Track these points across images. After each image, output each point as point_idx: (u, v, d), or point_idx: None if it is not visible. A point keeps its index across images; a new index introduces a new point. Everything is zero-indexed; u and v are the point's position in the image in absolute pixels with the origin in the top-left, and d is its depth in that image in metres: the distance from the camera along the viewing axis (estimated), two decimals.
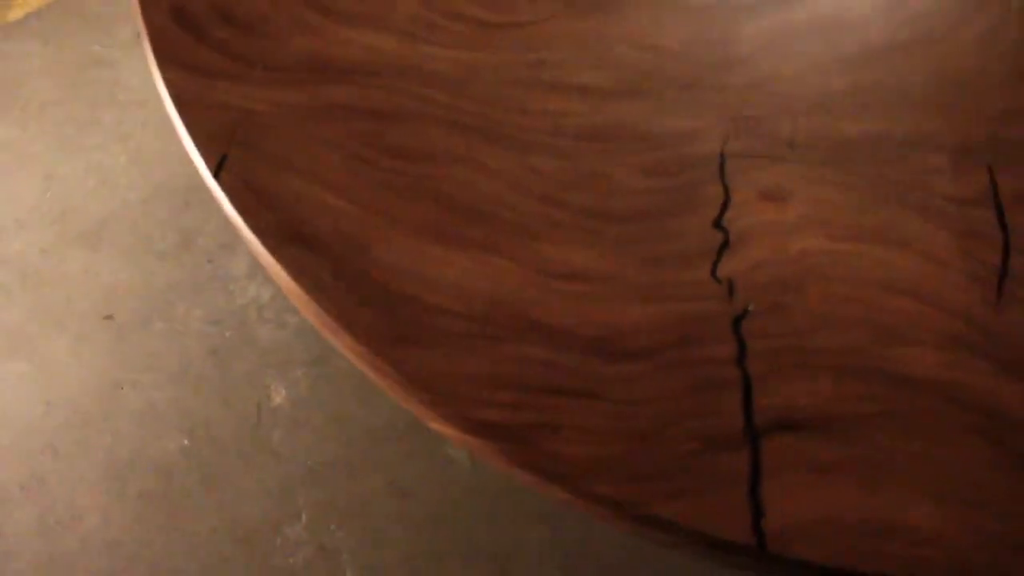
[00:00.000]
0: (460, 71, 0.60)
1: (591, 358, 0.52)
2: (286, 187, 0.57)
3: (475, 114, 0.58)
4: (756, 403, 0.50)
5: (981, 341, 0.52)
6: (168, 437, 1.11)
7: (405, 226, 0.56)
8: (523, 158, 0.57)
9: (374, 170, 0.57)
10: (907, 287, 0.54)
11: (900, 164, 0.57)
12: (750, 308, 0.52)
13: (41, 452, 1.10)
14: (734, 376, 0.51)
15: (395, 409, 1.09)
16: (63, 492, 1.08)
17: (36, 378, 1.15)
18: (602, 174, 0.56)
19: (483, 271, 0.54)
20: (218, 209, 1.19)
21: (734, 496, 0.48)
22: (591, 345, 0.52)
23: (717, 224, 0.55)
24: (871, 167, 0.57)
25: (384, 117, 0.59)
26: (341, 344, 0.55)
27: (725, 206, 0.55)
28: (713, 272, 0.53)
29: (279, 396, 1.13)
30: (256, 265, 1.20)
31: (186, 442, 1.10)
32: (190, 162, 1.21)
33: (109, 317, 1.18)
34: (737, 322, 0.52)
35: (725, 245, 0.54)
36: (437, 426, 0.53)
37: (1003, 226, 0.56)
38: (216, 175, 0.59)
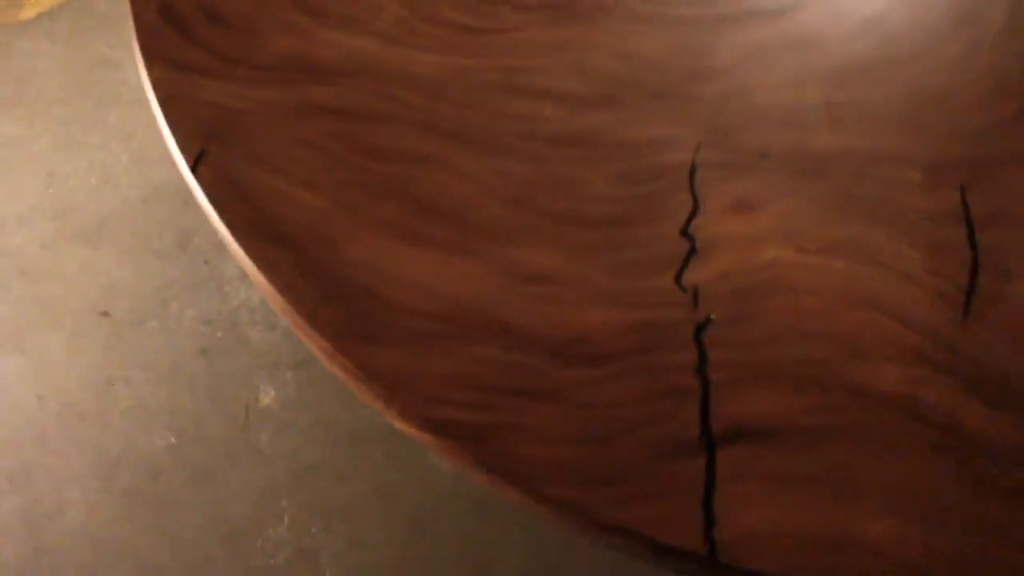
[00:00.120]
0: (438, 75, 0.61)
1: (552, 361, 0.52)
2: (261, 183, 0.58)
3: (450, 117, 0.59)
4: (714, 412, 0.50)
5: (946, 358, 0.52)
6: (157, 434, 1.12)
7: (375, 225, 0.56)
8: (495, 161, 0.58)
9: (348, 169, 0.58)
10: (873, 301, 0.53)
11: (872, 179, 0.57)
12: (712, 317, 0.52)
13: (31, 445, 1.11)
14: (693, 384, 0.51)
15: (380, 413, 1.09)
16: (50, 485, 1.09)
17: (30, 371, 1.16)
18: (573, 179, 0.57)
19: (450, 272, 0.54)
20: None
21: (687, 504, 0.48)
22: (553, 348, 0.52)
23: (684, 232, 0.55)
24: (842, 181, 0.57)
25: (361, 118, 0.59)
26: (306, 339, 0.56)
27: (693, 215, 0.55)
28: (678, 280, 0.54)
29: (267, 397, 1.13)
30: None
31: (174, 440, 1.11)
32: None
33: (104, 314, 1.19)
34: (699, 330, 0.52)
35: (691, 253, 0.54)
36: (396, 423, 0.53)
37: (973, 244, 0.55)
38: (194, 169, 0.59)
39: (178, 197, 1.21)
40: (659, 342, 0.52)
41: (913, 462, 0.49)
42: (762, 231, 0.55)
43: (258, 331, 1.17)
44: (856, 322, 0.53)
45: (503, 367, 0.52)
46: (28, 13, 1.45)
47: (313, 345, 0.55)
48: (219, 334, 1.17)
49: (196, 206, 1.23)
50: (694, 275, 0.54)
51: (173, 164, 0.58)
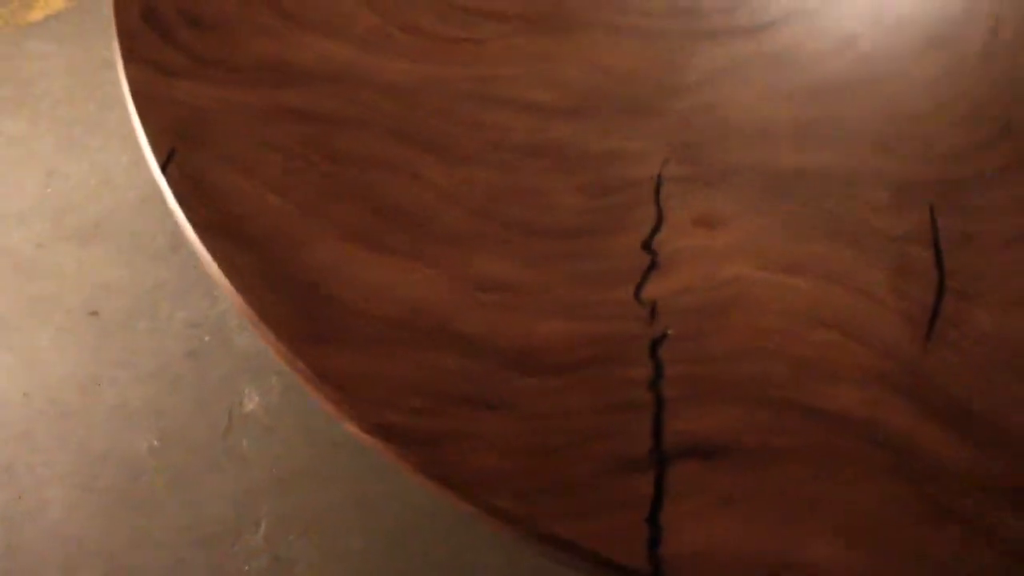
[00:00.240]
0: (410, 82, 0.61)
1: (506, 370, 0.51)
2: (228, 183, 0.58)
3: (419, 124, 0.59)
4: (667, 427, 0.49)
5: (905, 381, 0.51)
6: (140, 435, 1.12)
7: (338, 229, 0.56)
8: (462, 170, 0.58)
9: (315, 173, 0.58)
10: (834, 321, 0.53)
11: (839, 198, 0.57)
12: (669, 332, 0.52)
13: (15, 440, 1.12)
14: (647, 399, 0.50)
15: None
16: (32, 482, 1.09)
17: (17, 368, 1.17)
18: (538, 190, 0.57)
19: (408, 278, 0.54)
20: None
21: (633, 519, 0.47)
22: (507, 357, 0.52)
23: (646, 246, 0.54)
24: (809, 199, 0.56)
25: (331, 122, 0.60)
26: (264, 340, 0.56)
27: (657, 229, 0.55)
28: (637, 294, 0.53)
29: (251, 403, 1.13)
30: None
31: (156, 442, 1.11)
32: None
33: (94, 313, 1.20)
34: (655, 345, 0.52)
35: (652, 267, 0.54)
36: (348, 427, 0.53)
37: (939, 266, 0.55)
38: (163, 168, 0.60)
39: None
40: (615, 355, 0.52)
41: (866, 486, 0.48)
42: (725, 247, 0.55)
43: (245, 336, 1.18)
44: (816, 342, 0.52)
45: (457, 375, 0.51)
46: (36, 15, 1.48)
47: (270, 346, 0.55)
48: (207, 338, 1.18)
49: None
50: (654, 289, 0.53)
51: None
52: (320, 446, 1.10)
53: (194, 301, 1.20)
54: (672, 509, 0.47)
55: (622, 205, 0.56)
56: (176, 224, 0.59)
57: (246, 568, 1.03)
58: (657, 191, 0.56)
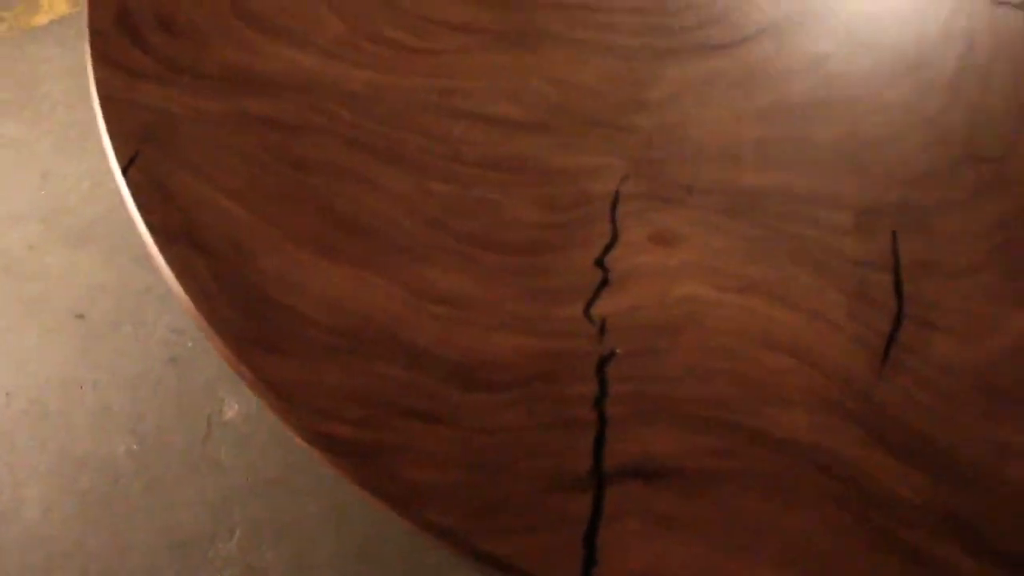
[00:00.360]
0: (374, 92, 0.61)
1: (450, 384, 0.51)
2: (187, 188, 0.58)
3: (379, 134, 0.59)
4: (609, 447, 0.49)
5: (857, 408, 0.50)
6: (119, 439, 1.12)
7: (293, 237, 0.56)
8: (419, 181, 0.57)
9: (274, 180, 0.58)
10: (787, 345, 0.52)
11: (800, 219, 0.56)
12: (617, 350, 0.51)
13: None
14: (590, 417, 0.49)
15: None
16: (9, 482, 1.09)
17: (1, 368, 1.18)
18: (494, 203, 0.56)
19: (359, 287, 0.54)
20: None
21: (569, 539, 0.46)
22: (453, 371, 0.51)
23: (599, 263, 0.54)
24: (769, 219, 0.56)
25: (293, 130, 0.60)
26: (212, 345, 0.55)
27: (611, 245, 0.54)
28: (587, 311, 0.52)
29: (231, 411, 1.13)
30: None
31: (135, 446, 1.11)
32: None
33: (80, 316, 1.21)
34: (603, 363, 0.51)
35: (604, 284, 0.53)
36: (294, 436, 0.53)
37: (899, 292, 0.54)
38: (125, 171, 0.60)
39: None
40: (561, 372, 0.51)
41: (812, 513, 0.47)
42: (679, 266, 0.54)
43: None
44: (767, 364, 0.51)
45: (401, 386, 0.51)
46: (41, 19, 1.50)
47: (218, 352, 0.55)
48: (190, 344, 1.18)
49: None
50: (604, 307, 0.52)
51: None
52: (296, 456, 1.09)
53: (179, 307, 1.20)
54: (609, 531, 0.46)
55: (578, 221, 0.55)
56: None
57: None
58: (614, 207, 0.56)
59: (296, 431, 0.51)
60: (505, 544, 0.46)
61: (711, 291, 0.53)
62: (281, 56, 0.63)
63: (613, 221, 0.55)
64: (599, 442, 0.49)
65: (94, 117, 0.64)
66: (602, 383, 0.50)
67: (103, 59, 0.64)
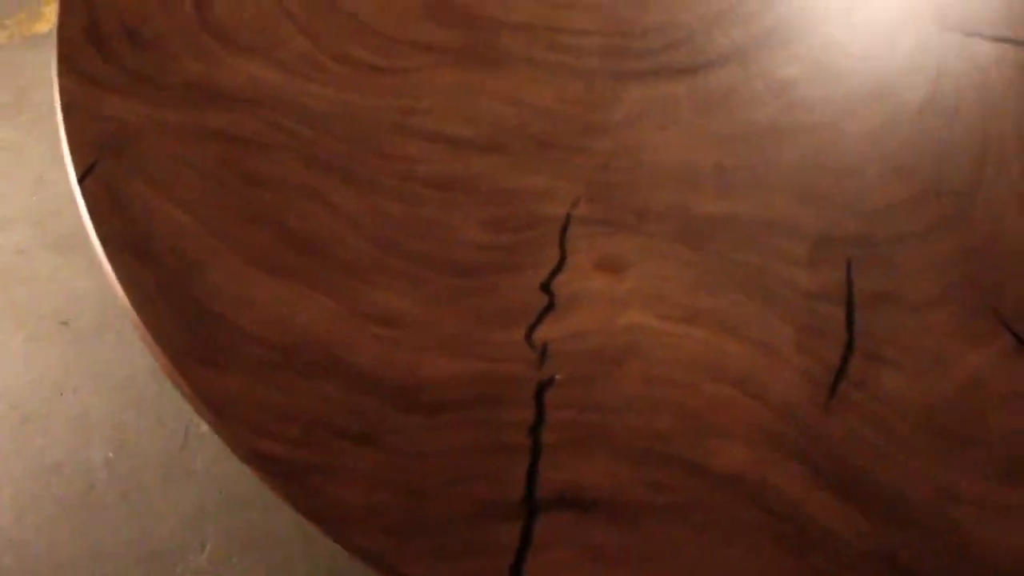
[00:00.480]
0: (332, 109, 0.61)
1: (389, 405, 0.50)
2: (140, 199, 0.58)
3: (336, 152, 0.59)
4: (542, 475, 0.48)
5: (801, 443, 0.49)
6: (96, 447, 1.12)
7: (242, 252, 0.56)
8: (371, 199, 0.57)
9: (228, 194, 0.58)
10: (732, 376, 0.51)
11: (753, 248, 0.55)
12: (557, 376, 0.50)
13: None
14: (525, 444, 0.49)
15: None
16: None
17: None
18: (443, 223, 0.56)
19: (303, 305, 0.53)
20: None
21: (496, 568, 0.45)
22: (391, 392, 0.51)
23: (544, 287, 0.53)
24: (722, 248, 0.55)
25: (249, 144, 0.59)
26: (153, 357, 0.55)
27: (558, 270, 0.54)
28: (529, 335, 0.52)
29: None
30: None
31: (111, 454, 1.11)
32: None
33: (65, 323, 1.21)
34: (542, 389, 0.50)
35: (548, 309, 0.52)
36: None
37: (850, 326, 0.52)
38: (81, 180, 0.60)
39: None
40: (499, 397, 0.50)
41: (747, 551, 0.46)
42: (626, 293, 0.53)
43: None
44: (710, 396, 0.50)
45: (338, 406, 0.50)
46: (43, 27, 1.52)
47: (159, 364, 0.54)
48: None
49: None
50: (547, 332, 0.52)
51: None
52: None
53: None
54: (537, 560, 0.45)
55: (526, 243, 0.55)
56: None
57: None
58: (563, 231, 0.55)
59: (230, 446, 0.51)
60: (430, 569, 0.45)
61: (656, 320, 0.52)
62: (244, 71, 0.63)
63: (562, 245, 0.54)
64: (532, 470, 0.48)
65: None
66: (540, 409, 0.49)
67: (69, 68, 0.65)
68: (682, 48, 0.63)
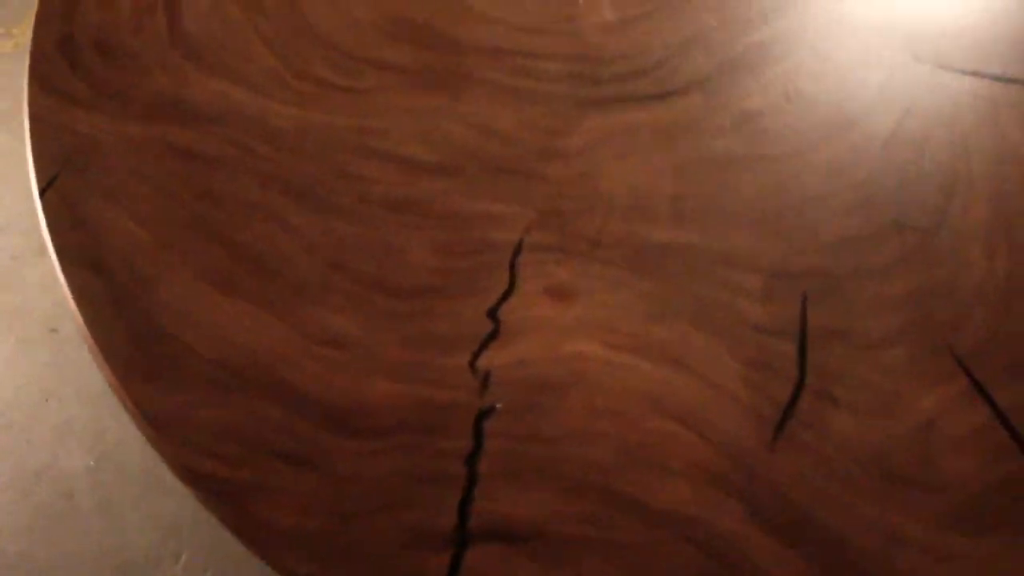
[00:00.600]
0: (293, 128, 0.61)
1: (327, 428, 0.50)
2: (99, 214, 0.58)
3: (292, 171, 0.59)
4: (475, 505, 0.47)
5: (742, 482, 0.48)
6: (77, 455, 1.12)
7: (194, 268, 0.55)
8: (324, 220, 0.57)
9: (183, 210, 0.58)
10: (676, 411, 0.50)
11: (706, 280, 0.54)
12: (498, 405, 0.50)
13: None
14: (460, 473, 0.48)
15: None
16: None
17: None
18: (394, 246, 0.55)
19: (250, 324, 0.53)
20: None
21: None
22: (330, 415, 0.50)
23: (491, 313, 0.52)
24: (675, 278, 0.54)
25: (208, 161, 0.59)
26: (100, 371, 0.55)
27: (506, 296, 0.53)
28: (472, 362, 0.51)
29: None
30: None
31: (92, 463, 1.11)
32: None
33: (55, 330, 1.22)
34: (481, 417, 0.49)
35: (493, 336, 0.52)
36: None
37: (801, 362, 0.51)
38: (43, 192, 0.60)
39: None
40: (437, 424, 0.49)
41: None
42: (573, 321, 0.52)
43: None
44: (652, 430, 0.49)
45: (276, 427, 0.50)
46: None
47: (105, 377, 0.54)
48: None
49: None
50: (490, 359, 0.51)
51: None
52: None
53: None
54: None
55: (475, 268, 0.54)
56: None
57: None
58: (514, 257, 0.54)
59: (168, 464, 0.50)
60: None
61: (603, 349, 0.51)
62: (209, 87, 0.63)
63: (512, 271, 0.54)
64: (466, 500, 0.47)
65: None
66: (478, 438, 0.49)
67: (39, 81, 0.65)
68: (648, 76, 0.63)
